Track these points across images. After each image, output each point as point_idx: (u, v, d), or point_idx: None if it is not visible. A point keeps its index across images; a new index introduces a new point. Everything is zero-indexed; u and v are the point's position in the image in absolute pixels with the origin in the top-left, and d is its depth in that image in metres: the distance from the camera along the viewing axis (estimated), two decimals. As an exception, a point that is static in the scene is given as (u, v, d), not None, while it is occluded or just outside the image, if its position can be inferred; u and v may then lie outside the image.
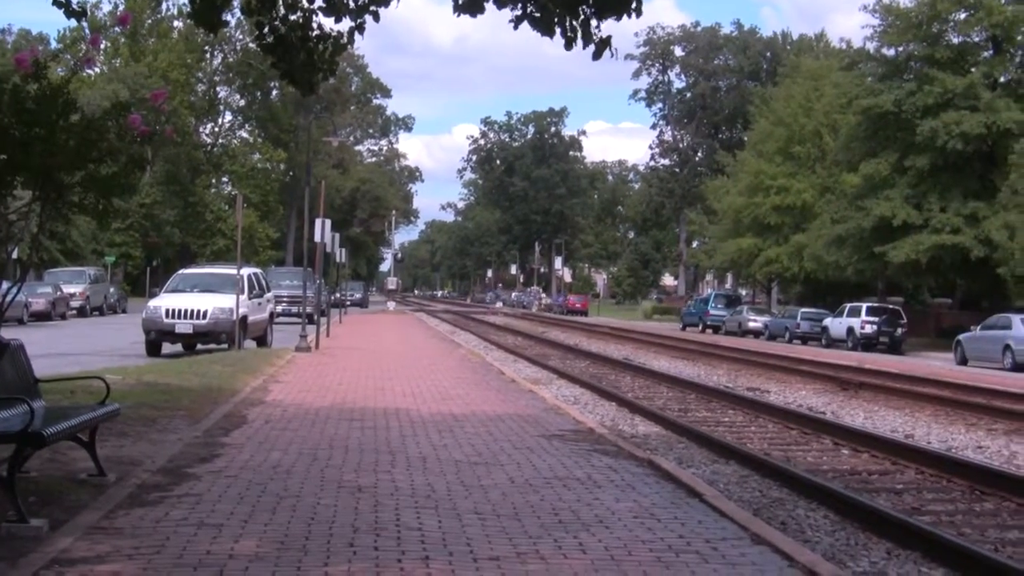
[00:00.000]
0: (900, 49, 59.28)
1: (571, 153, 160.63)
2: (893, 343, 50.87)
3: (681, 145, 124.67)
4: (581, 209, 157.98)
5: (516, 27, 10.86)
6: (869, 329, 51.25)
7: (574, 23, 10.72)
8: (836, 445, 15.87)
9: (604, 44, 10.69)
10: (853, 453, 15.21)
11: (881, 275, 61.55)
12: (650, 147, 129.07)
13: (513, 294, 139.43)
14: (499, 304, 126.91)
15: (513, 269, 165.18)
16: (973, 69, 56.15)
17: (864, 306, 53.54)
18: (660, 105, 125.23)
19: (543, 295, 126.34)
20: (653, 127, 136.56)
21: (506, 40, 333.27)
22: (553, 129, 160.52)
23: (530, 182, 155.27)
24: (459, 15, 10.97)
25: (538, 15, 10.73)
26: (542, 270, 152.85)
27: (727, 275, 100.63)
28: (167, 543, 7.50)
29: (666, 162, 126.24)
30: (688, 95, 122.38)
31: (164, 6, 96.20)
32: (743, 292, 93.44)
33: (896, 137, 56.57)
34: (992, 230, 50.58)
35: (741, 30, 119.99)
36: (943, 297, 66.57)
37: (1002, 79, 56.44)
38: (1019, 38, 57.39)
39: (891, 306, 55.69)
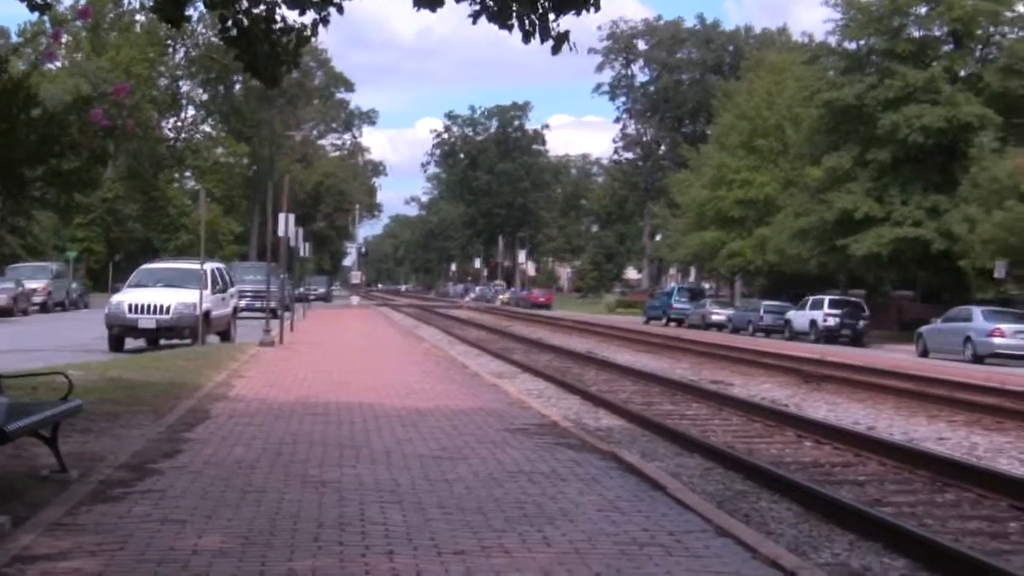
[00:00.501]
0: (862, 43, 59.64)
1: (534, 147, 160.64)
2: (855, 336, 51.13)
3: (644, 139, 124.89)
4: (545, 203, 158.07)
5: (475, 21, 10.87)
6: (832, 322, 51.49)
7: (533, 17, 10.74)
8: (799, 437, 15.94)
9: (562, 38, 10.72)
10: (816, 445, 15.28)
11: (843, 268, 61.90)
12: (613, 141, 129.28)
13: (476, 288, 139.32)
14: (469, 298, 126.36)
15: (477, 263, 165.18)
16: (934, 63, 56.48)
17: (826, 299, 53.78)
18: (623, 99, 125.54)
19: (509, 289, 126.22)
20: (616, 121, 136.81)
21: (470, 34, 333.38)
22: (517, 123, 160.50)
23: (494, 176, 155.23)
24: (419, 9, 10.97)
25: (496, 9, 10.74)
26: (506, 264, 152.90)
27: (691, 268, 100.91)
28: (130, 539, 7.47)
29: (630, 156, 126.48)
30: (651, 89, 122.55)
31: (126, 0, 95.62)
32: (707, 285, 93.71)
33: (858, 130, 56.89)
34: (953, 223, 50.89)
35: (704, 24, 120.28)
36: (905, 290, 66.92)
37: (962, 73, 56.84)
38: (979, 32, 57.84)
39: (853, 299, 56.03)
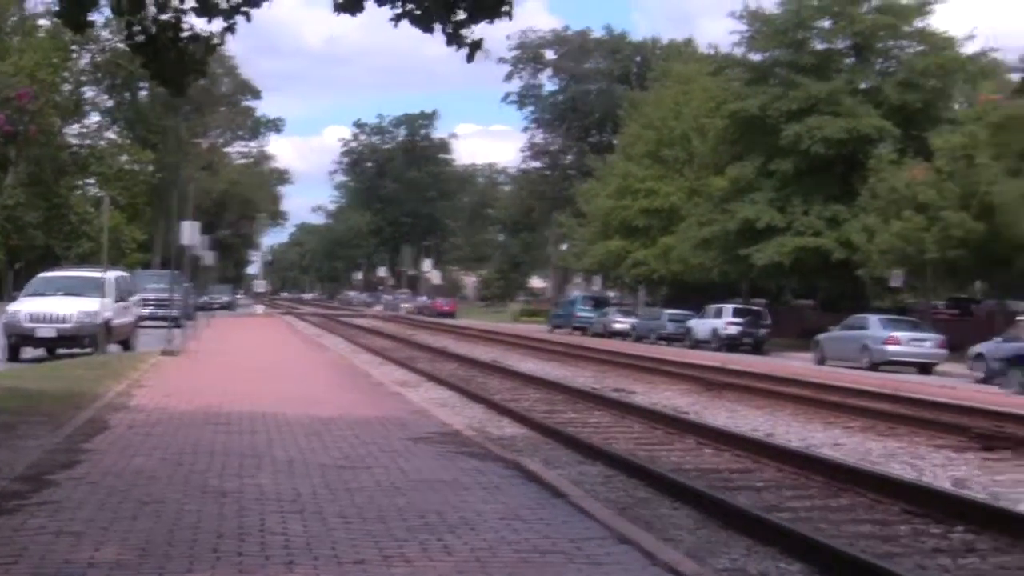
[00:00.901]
0: (767, 55, 60.29)
1: (442, 156, 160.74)
2: (756, 344, 51.69)
3: (552, 148, 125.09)
4: (451, 212, 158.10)
5: (396, 24, 10.90)
6: (733, 330, 52.03)
7: (449, 24, 10.81)
8: (700, 444, 16.12)
9: (476, 46, 10.81)
10: (716, 452, 15.46)
11: (745, 277, 62.52)
12: (521, 150, 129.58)
13: (384, 297, 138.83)
14: (379, 308, 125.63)
15: (383, 272, 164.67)
16: (836, 75, 57.27)
17: (728, 307, 54.33)
18: (531, 108, 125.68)
19: (414, 298, 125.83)
20: (524, 130, 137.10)
21: (380, 42, 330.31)
22: (424, 132, 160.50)
23: (401, 184, 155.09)
24: (339, 14, 10.97)
25: (419, 12, 10.80)
26: (411, 273, 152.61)
27: (596, 277, 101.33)
28: (25, 552, 7.37)
29: (537, 165, 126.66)
30: (559, 98, 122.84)
31: (30, 3, 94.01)
32: (612, 294, 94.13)
33: (762, 141, 57.49)
34: (852, 233, 51.70)
35: (612, 34, 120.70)
36: (805, 298, 67.75)
37: (863, 86, 57.69)
38: (879, 46, 58.81)
39: (755, 307, 56.63)
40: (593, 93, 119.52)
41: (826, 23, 58.47)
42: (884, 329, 40.51)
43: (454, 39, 10.85)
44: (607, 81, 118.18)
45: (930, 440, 17.50)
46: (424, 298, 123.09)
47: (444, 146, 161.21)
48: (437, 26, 10.84)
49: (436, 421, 16.00)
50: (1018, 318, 40.35)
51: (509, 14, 10.84)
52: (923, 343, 39.83)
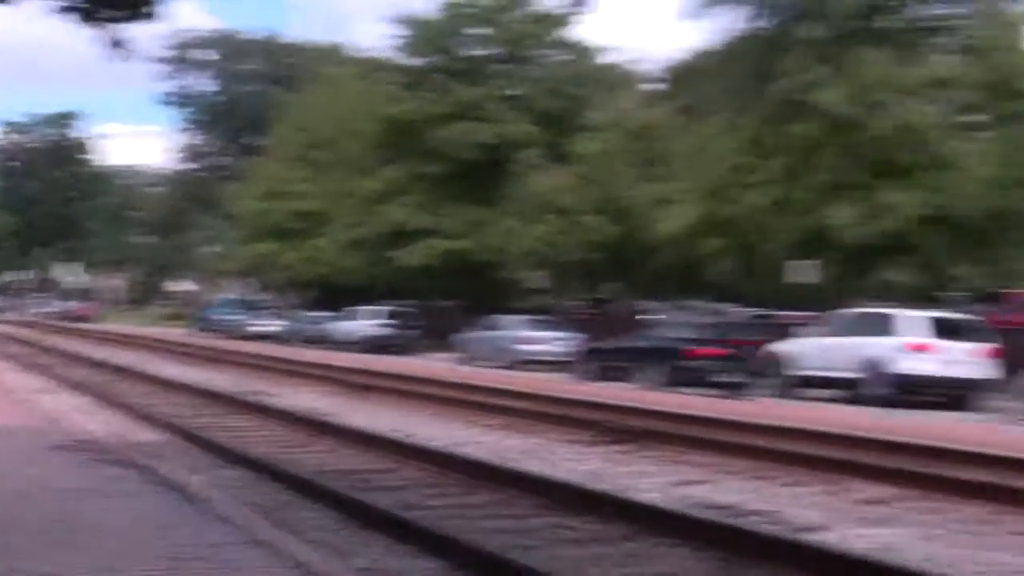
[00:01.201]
0: (425, 60, 60.84)
1: (86, 156, 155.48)
2: (403, 345, 52.11)
3: (205, 149, 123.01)
4: (94, 213, 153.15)
5: (60, 17, 10.68)
6: (380, 331, 52.46)
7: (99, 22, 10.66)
8: (342, 446, 16.23)
9: (120, 46, 10.70)
10: (357, 453, 15.58)
11: (394, 279, 63.03)
12: (171, 151, 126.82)
13: (24, 301, 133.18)
14: (11, 313, 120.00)
15: (22, 275, 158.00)
16: (487, 82, 58.37)
17: (375, 309, 54.72)
18: (183, 109, 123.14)
19: (53, 302, 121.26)
20: (175, 131, 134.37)
21: (24, 37, 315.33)
22: (69, 131, 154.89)
23: (43, 185, 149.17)
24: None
25: (87, 7, 10.62)
26: (51, 275, 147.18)
27: (251, 280, 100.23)
28: None
29: (191, 166, 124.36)
30: (212, 99, 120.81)
31: None
32: (263, 296, 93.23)
33: (413, 145, 58.09)
34: (495, 236, 52.94)
35: (266, 36, 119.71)
36: (453, 299, 68.82)
37: (513, 92, 58.96)
38: (527, 54, 60.35)
39: (402, 309, 57.12)
40: (247, 94, 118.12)
41: (479, 30, 59.54)
42: (521, 329, 41.74)
43: (104, 37, 10.70)
44: (262, 83, 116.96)
45: (564, 436, 18.19)
46: (65, 302, 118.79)
47: (90, 146, 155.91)
48: (97, 22, 10.68)
49: (73, 428, 15.59)
50: (638, 316, 42.33)
51: (155, 16, 10.77)
52: (559, 342, 41.07)
